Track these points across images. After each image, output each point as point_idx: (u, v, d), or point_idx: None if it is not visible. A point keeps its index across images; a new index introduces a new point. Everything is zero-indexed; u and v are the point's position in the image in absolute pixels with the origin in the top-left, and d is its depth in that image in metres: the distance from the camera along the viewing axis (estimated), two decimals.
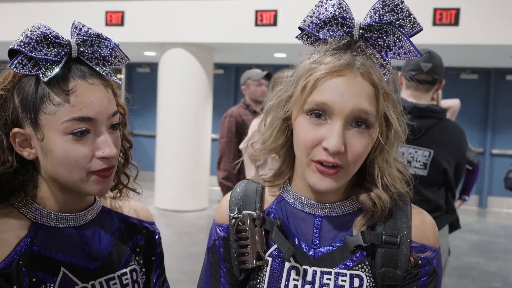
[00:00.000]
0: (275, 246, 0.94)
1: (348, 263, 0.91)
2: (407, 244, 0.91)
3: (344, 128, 0.85)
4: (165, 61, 7.22)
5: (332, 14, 0.86)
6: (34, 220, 0.93)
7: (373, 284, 0.90)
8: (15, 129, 0.90)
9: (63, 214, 0.96)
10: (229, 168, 3.47)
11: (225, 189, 3.51)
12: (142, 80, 10.08)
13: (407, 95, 2.31)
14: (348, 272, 0.91)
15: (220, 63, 8.99)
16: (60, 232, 0.95)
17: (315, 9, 0.88)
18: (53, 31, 0.87)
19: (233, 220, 0.97)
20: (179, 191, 7.18)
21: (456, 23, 5.81)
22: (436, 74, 2.27)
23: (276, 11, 6.39)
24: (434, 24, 5.86)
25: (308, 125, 0.87)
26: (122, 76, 10.22)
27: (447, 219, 2.36)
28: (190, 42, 6.95)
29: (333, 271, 0.91)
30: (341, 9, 0.86)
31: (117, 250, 1.02)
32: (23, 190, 0.95)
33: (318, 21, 0.87)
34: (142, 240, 1.09)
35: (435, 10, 5.85)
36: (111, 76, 0.92)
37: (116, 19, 7.00)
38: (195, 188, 7.31)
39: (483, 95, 8.52)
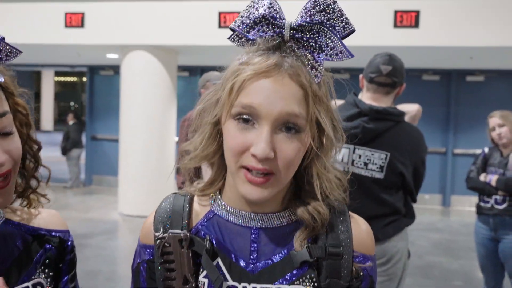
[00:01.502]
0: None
1: (289, 278, 0.87)
2: (349, 254, 0.88)
3: (273, 132, 0.80)
4: (128, 63, 7.09)
5: (262, 14, 0.82)
6: None
7: None
8: None
9: None
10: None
11: None
12: (105, 83, 9.87)
13: (367, 97, 2.30)
14: (289, 287, 0.86)
15: (184, 65, 8.89)
16: None
17: (247, 9, 0.84)
18: None
19: (158, 241, 0.90)
20: (144, 196, 7.05)
21: (416, 25, 5.90)
22: (395, 77, 2.26)
23: (239, 13, 6.34)
24: (395, 26, 5.94)
25: (236, 130, 0.82)
26: (85, 78, 9.97)
27: (406, 222, 2.36)
28: (152, 44, 6.85)
29: (273, 286, 0.87)
30: (271, 9, 0.82)
31: (18, 264, 0.94)
32: None
33: (248, 21, 0.83)
34: (53, 250, 1.01)
35: (396, 12, 5.93)
36: None
37: (76, 20, 6.81)
38: (160, 192, 7.15)
39: (445, 95, 8.71)
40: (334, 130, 0.87)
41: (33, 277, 0.96)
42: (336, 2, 0.82)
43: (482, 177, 3.44)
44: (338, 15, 0.82)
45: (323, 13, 0.81)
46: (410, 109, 2.65)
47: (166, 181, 7.24)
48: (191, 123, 3.12)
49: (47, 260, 0.99)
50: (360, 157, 2.20)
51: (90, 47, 7.24)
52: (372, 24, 5.94)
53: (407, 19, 5.91)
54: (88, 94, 10.19)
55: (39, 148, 0.99)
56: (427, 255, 5.62)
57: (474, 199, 4.44)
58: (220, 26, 6.46)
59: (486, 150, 3.56)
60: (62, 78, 27.95)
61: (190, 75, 9.46)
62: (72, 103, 28.59)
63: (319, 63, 0.82)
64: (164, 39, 6.73)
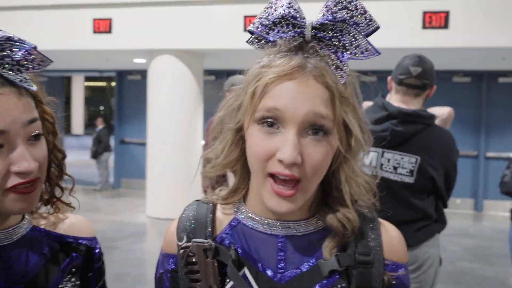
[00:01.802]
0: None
1: (318, 287, 0.84)
2: (380, 262, 0.85)
3: (299, 136, 0.76)
4: (155, 68, 7.16)
5: (281, 14, 0.78)
6: None
7: None
8: None
9: None
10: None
11: None
12: (132, 88, 10.01)
13: (395, 100, 2.24)
14: None
15: (210, 69, 8.93)
16: None
17: (265, 10, 0.81)
18: None
19: (182, 251, 0.87)
20: (171, 199, 7.09)
21: (446, 26, 5.77)
22: (425, 78, 2.20)
23: None
24: (424, 27, 5.82)
25: (260, 135, 0.78)
26: (113, 83, 10.13)
27: (437, 228, 2.29)
28: (179, 49, 6.90)
29: None
30: (291, 8, 0.79)
31: (46, 272, 0.94)
32: None
33: (267, 22, 0.80)
34: (79, 259, 1.00)
35: (425, 13, 5.81)
36: (25, 83, 0.83)
37: (104, 26, 6.93)
38: (187, 195, 7.18)
39: (476, 97, 8.49)
40: (362, 132, 0.83)
41: (60, 286, 0.95)
42: (357, 2, 0.78)
43: None
44: (361, 12, 0.78)
45: (346, 10, 0.78)
46: (442, 112, 2.57)
47: (192, 185, 7.27)
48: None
49: (73, 269, 0.98)
50: (389, 161, 2.15)
51: (118, 52, 7.34)
52: (400, 25, 5.84)
53: (436, 20, 5.79)
54: (116, 99, 10.34)
55: (64, 157, 0.99)
56: (459, 261, 5.48)
57: (508, 204, 4.30)
58: (245, 30, 6.45)
59: None
60: (91, 83, 28.55)
61: (217, 78, 9.50)
62: (101, 108, 29.16)
63: (343, 62, 0.78)
64: (190, 43, 6.78)
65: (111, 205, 8.46)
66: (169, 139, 7.07)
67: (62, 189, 1.00)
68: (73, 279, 0.98)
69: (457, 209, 8.27)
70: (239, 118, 0.84)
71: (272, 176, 0.78)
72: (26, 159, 0.80)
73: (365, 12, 0.78)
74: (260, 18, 0.81)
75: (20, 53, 0.81)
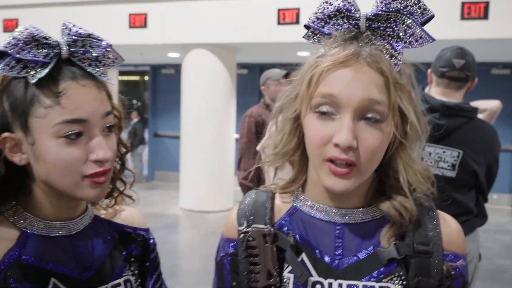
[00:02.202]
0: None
1: (376, 275, 0.85)
2: (439, 252, 0.86)
3: (354, 121, 0.79)
4: (188, 62, 7.23)
5: (336, 8, 0.81)
6: (24, 229, 0.90)
7: None
8: (5, 134, 0.86)
9: (54, 223, 0.92)
10: (249, 168, 3.44)
11: (246, 190, 3.48)
12: (166, 82, 10.14)
13: (437, 92, 2.21)
14: (377, 285, 0.85)
15: (243, 62, 8.96)
16: (50, 241, 0.91)
17: (320, 5, 0.84)
18: (42, 32, 0.83)
19: (242, 235, 0.90)
20: (204, 192, 7.19)
21: (485, 16, 5.62)
22: (468, 71, 2.16)
23: (298, 9, 6.32)
24: (462, 18, 5.69)
25: (317, 122, 0.81)
26: (147, 77, 10.31)
27: (478, 223, 2.26)
28: (212, 43, 6.95)
29: (360, 283, 0.85)
30: (345, 1, 0.82)
31: (111, 260, 0.98)
32: (15, 198, 0.92)
33: (323, 16, 0.83)
34: (138, 249, 1.05)
35: (463, 3, 5.67)
36: (104, 77, 0.88)
37: (139, 21, 7.04)
38: (220, 188, 7.30)
39: None
40: (418, 119, 0.84)
41: (123, 274, 0.99)
42: None
43: None
44: (415, 1, 0.80)
45: (400, 0, 0.80)
46: (490, 106, 2.52)
47: (224, 178, 7.34)
48: (252, 120, 3.14)
49: (132, 258, 1.03)
50: (430, 154, 2.13)
51: (153, 47, 7.45)
52: (438, 16, 5.60)
53: (475, 10, 5.64)
54: (150, 93, 10.50)
55: (127, 151, 1.03)
56: (497, 258, 5.36)
57: None
58: (279, 23, 6.46)
59: None
60: (125, 77, 29.02)
61: (249, 72, 9.53)
62: (134, 101, 29.65)
63: (398, 51, 0.80)
64: (224, 37, 6.81)
65: (145, 197, 8.62)
66: (203, 132, 7.15)
67: (124, 182, 1.04)
68: (132, 268, 1.02)
69: (495, 205, 8.06)
70: (296, 107, 0.87)
71: (329, 161, 0.80)
72: (103, 148, 0.84)
73: (419, 1, 0.80)
74: (316, 13, 0.84)
75: (98, 50, 0.86)
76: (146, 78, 13.79)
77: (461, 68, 2.14)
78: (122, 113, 0.98)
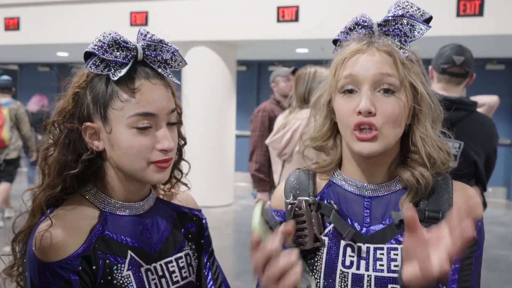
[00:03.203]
0: (331, 226, 1.03)
1: (399, 238, 0.99)
2: None
3: (372, 93, 0.97)
4: (189, 59, 7.09)
5: (355, 22, 1.03)
6: (102, 209, 1.03)
7: None
8: (87, 123, 1.00)
9: (126, 203, 1.05)
10: (261, 161, 3.57)
11: (257, 181, 3.61)
12: None
13: (438, 88, 2.33)
14: (399, 247, 0.98)
15: (242, 60, 9.05)
16: (125, 220, 1.04)
17: (345, 25, 1.05)
18: (122, 37, 0.97)
19: (290, 206, 1.06)
20: (205, 187, 7.25)
21: (480, 13, 5.74)
22: (468, 67, 2.29)
23: (297, 7, 6.42)
24: (458, 15, 5.81)
25: (343, 100, 1.00)
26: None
27: None
28: (213, 40, 7.03)
29: (385, 246, 0.99)
30: (361, 16, 1.03)
31: (173, 236, 1.11)
32: (92, 182, 1.05)
33: (345, 29, 1.05)
34: (194, 227, 1.18)
35: (459, 1, 5.79)
36: (171, 77, 1.01)
37: (140, 19, 7.11)
38: (221, 184, 7.39)
39: (510, 85, 8.39)
40: (429, 96, 1.01)
41: (184, 249, 1.13)
42: (411, 3, 1.01)
43: None
44: (415, 9, 1.01)
45: (402, 9, 1.00)
46: (489, 100, 2.65)
47: (226, 173, 7.44)
48: (265, 114, 3.28)
49: (190, 235, 1.16)
50: None
51: None
52: (435, 13, 5.71)
53: (471, 7, 5.76)
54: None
55: (185, 143, 1.17)
56: (492, 249, 5.51)
57: None
58: (278, 21, 6.55)
59: None
60: None
61: (248, 69, 9.61)
62: None
63: (405, 45, 0.99)
64: (224, 34, 6.90)
65: None
66: (203, 129, 7.22)
67: (181, 172, 1.20)
68: (190, 244, 1.16)
69: (489, 198, 8.20)
70: (327, 95, 1.06)
71: (356, 130, 0.97)
72: (168, 139, 0.98)
73: (419, 8, 1.01)
74: (341, 30, 1.06)
75: (168, 54, 1.01)
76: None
77: (461, 64, 2.26)
78: (182, 110, 1.12)
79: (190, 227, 1.17)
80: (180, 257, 1.10)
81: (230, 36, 6.89)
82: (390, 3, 1.04)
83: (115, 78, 0.95)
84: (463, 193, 1.01)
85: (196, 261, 1.16)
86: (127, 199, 1.05)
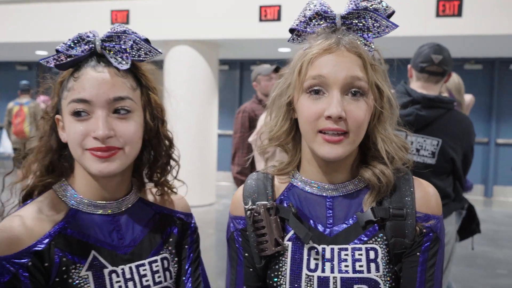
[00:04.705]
0: (293, 230, 1.01)
1: (362, 238, 0.99)
2: (413, 215, 0.98)
3: (342, 96, 0.94)
4: (171, 58, 7.27)
5: (315, 11, 0.99)
6: (71, 206, 1.02)
7: (387, 254, 0.98)
8: (57, 116, 1.03)
9: (98, 202, 1.03)
10: (243, 163, 3.55)
11: (240, 183, 3.57)
12: None
13: (417, 86, 2.37)
14: (363, 246, 0.98)
15: (225, 59, 9.03)
16: (93, 219, 1.02)
17: (301, 12, 1.02)
18: (87, 33, 0.97)
19: (249, 212, 1.03)
20: (187, 187, 7.22)
21: (459, 14, 5.83)
22: (446, 65, 2.33)
23: (280, 6, 6.43)
24: (438, 15, 5.89)
25: (309, 101, 0.97)
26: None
27: (455, 206, 2.43)
28: (195, 39, 7.00)
29: (349, 246, 0.99)
30: (322, 6, 1.00)
31: (149, 239, 1.08)
32: (65, 177, 1.05)
33: (305, 19, 1.01)
34: (176, 230, 1.14)
35: (438, 1, 5.87)
36: (119, 64, 0.97)
37: (121, 17, 7.05)
38: (203, 183, 7.36)
39: (488, 85, 8.55)
40: (390, 99, 1.01)
41: (161, 252, 1.09)
42: None
43: None
44: (378, 1, 0.99)
45: (366, 1, 0.98)
46: (466, 99, 2.70)
47: (207, 173, 7.42)
48: (245, 115, 3.27)
49: (171, 239, 1.12)
50: (412, 143, 2.28)
51: None
52: (415, 14, 5.92)
53: (450, 8, 5.85)
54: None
55: (170, 145, 1.13)
56: (471, 245, 5.60)
57: None
58: (260, 20, 6.56)
59: None
60: None
61: (230, 68, 9.60)
62: None
63: (369, 41, 0.98)
64: (206, 33, 6.87)
65: None
66: (185, 128, 7.19)
67: (168, 173, 1.15)
68: (170, 248, 1.12)
69: (467, 195, 8.35)
70: (289, 93, 1.02)
71: (322, 133, 0.95)
72: (101, 126, 0.94)
73: (381, 1, 0.99)
74: (298, 17, 1.01)
75: (129, 43, 0.98)
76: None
77: (439, 63, 2.31)
78: (162, 107, 1.09)
79: (173, 229, 1.14)
80: (155, 261, 1.06)
81: (212, 35, 6.88)
82: None
83: (63, 69, 0.98)
84: (423, 190, 1.02)
85: (176, 266, 1.13)
86: (100, 197, 1.03)
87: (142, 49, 0.99)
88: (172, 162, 1.15)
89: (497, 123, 8.53)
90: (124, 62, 0.98)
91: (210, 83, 7.37)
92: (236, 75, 9.63)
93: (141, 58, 1.00)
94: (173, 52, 7.21)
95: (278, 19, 6.44)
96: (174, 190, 1.18)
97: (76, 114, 0.95)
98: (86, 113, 0.95)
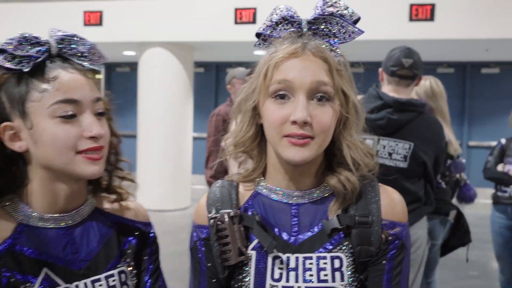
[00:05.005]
0: (257, 239, 0.98)
1: (327, 246, 0.97)
2: (378, 223, 0.97)
3: (307, 101, 0.93)
4: (145, 60, 7.20)
5: (282, 16, 0.98)
6: (20, 221, 0.95)
7: (352, 262, 0.96)
8: (4, 123, 0.92)
9: (50, 215, 0.97)
10: (216, 167, 3.50)
11: None
12: (121, 80, 10.01)
13: (388, 90, 2.37)
14: (328, 255, 0.96)
15: (200, 61, 8.99)
16: (46, 233, 0.96)
17: (268, 16, 1.00)
18: (32, 34, 0.93)
19: (212, 221, 1.00)
20: (161, 191, 7.16)
21: (432, 18, 5.93)
22: (416, 69, 2.34)
23: (255, 9, 6.43)
24: (411, 19, 5.97)
25: (274, 106, 0.94)
26: (101, 76, 10.14)
27: (426, 210, 2.43)
28: (169, 41, 6.95)
29: (314, 255, 0.96)
30: (288, 11, 0.99)
31: (106, 252, 1.02)
32: (14, 191, 0.97)
33: (271, 23, 0.99)
34: (134, 241, 1.08)
35: (411, 5, 5.96)
36: (91, 65, 0.97)
37: (94, 19, 6.95)
38: (177, 187, 7.30)
39: (460, 88, 8.71)
40: (356, 106, 0.99)
41: (118, 266, 1.03)
42: (339, 0, 0.98)
43: (500, 167, 3.49)
44: (344, 7, 0.98)
45: (332, 7, 0.97)
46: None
47: (182, 176, 7.36)
48: (219, 118, 3.21)
49: (129, 250, 1.06)
50: (384, 147, 2.28)
51: (109, 45, 7.35)
52: (388, 17, 5.98)
53: (423, 12, 5.94)
54: (104, 91, 10.33)
55: (119, 142, 1.09)
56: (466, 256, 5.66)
57: (488, 191, 4.49)
58: (236, 23, 6.54)
59: (504, 141, 3.60)
60: None
61: (205, 71, 9.56)
62: None
63: (335, 47, 0.97)
64: (181, 35, 6.83)
65: None
66: (160, 132, 7.13)
67: (120, 175, 1.09)
68: (128, 260, 1.06)
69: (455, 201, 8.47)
70: (255, 98, 0.99)
71: (288, 137, 0.93)
72: (96, 125, 0.93)
73: (347, 7, 0.98)
74: (265, 22, 1.00)
75: (84, 47, 0.96)
76: (99, 76, 13.57)
77: (410, 66, 2.31)
78: (109, 105, 1.05)
79: (131, 240, 1.07)
80: (112, 275, 1.00)
81: (186, 37, 6.83)
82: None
83: (27, 69, 0.90)
84: (389, 197, 1.00)
85: (135, 279, 1.07)
86: (52, 210, 0.97)
87: (96, 54, 0.98)
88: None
89: (469, 126, 8.69)
90: (88, 64, 0.96)
91: (184, 86, 7.32)
92: (212, 77, 9.59)
93: (94, 62, 0.98)
94: (147, 54, 7.15)
95: (254, 21, 6.44)
96: (130, 192, 1.12)
97: (66, 116, 0.91)
98: (74, 114, 0.92)
